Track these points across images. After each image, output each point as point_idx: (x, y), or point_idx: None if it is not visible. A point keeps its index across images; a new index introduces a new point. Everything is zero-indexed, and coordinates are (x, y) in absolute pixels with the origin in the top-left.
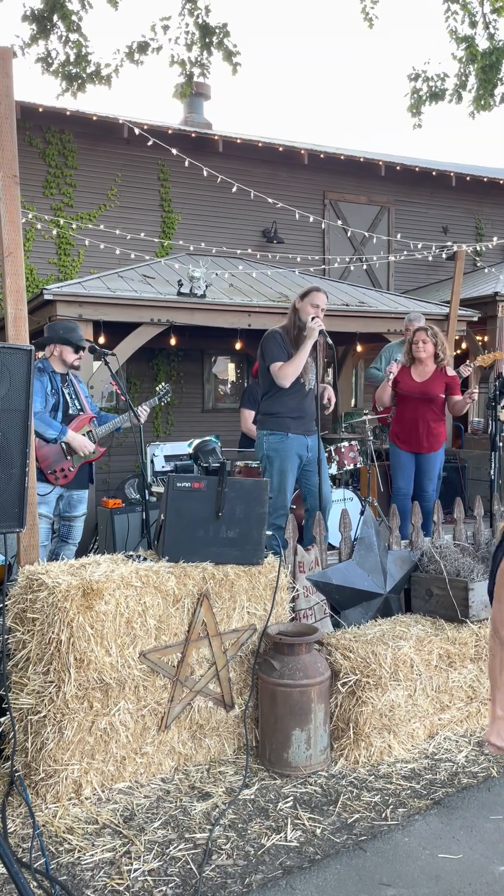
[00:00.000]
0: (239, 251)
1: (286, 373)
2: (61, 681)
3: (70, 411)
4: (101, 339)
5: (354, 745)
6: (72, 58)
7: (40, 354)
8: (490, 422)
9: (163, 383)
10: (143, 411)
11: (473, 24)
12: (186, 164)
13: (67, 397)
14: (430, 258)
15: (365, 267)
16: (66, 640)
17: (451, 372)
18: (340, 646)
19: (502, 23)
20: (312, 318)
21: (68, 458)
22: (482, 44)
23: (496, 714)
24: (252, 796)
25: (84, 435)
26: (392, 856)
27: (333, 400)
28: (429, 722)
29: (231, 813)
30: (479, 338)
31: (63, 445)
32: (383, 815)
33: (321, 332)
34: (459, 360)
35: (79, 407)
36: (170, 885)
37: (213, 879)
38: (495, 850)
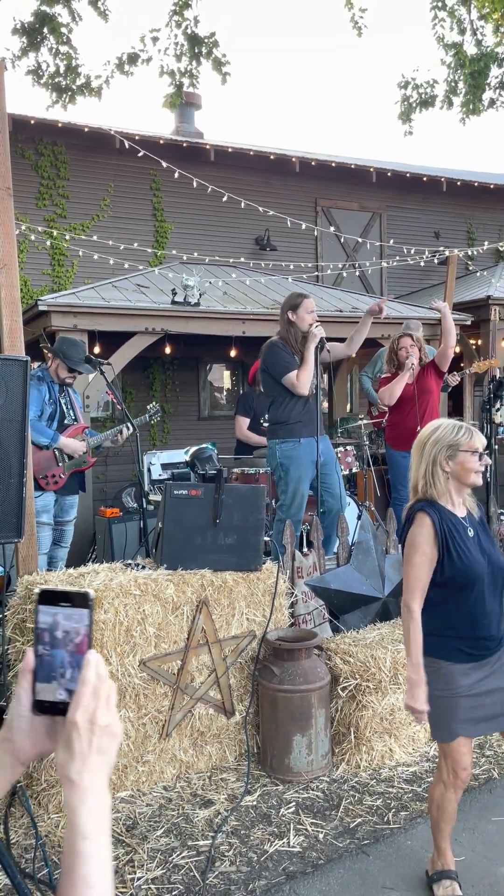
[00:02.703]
0: (232, 259)
1: (304, 381)
2: None
3: (66, 421)
4: (97, 349)
5: (356, 750)
6: (62, 70)
7: (36, 365)
8: (485, 425)
9: (154, 403)
10: (124, 432)
11: (462, 31)
12: (177, 175)
13: (64, 407)
14: (422, 263)
15: (358, 273)
16: None
17: (429, 358)
18: (340, 650)
19: (489, 28)
20: (316, 326)
21: (59, 464)
22: (470, 50)
23: (410, 678)
24: (254, 802)
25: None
26: (395, 859)
27: (382, 305)
28: (429, 725)
29: (233, 820)
30: (472, 341)
31: (56, 452)
32: (385, 818)
33: (321, 339)
34: (453, 364)
35: (74, 417)
36: (173, 893)
37: (217, 886)
38: (497, 851)
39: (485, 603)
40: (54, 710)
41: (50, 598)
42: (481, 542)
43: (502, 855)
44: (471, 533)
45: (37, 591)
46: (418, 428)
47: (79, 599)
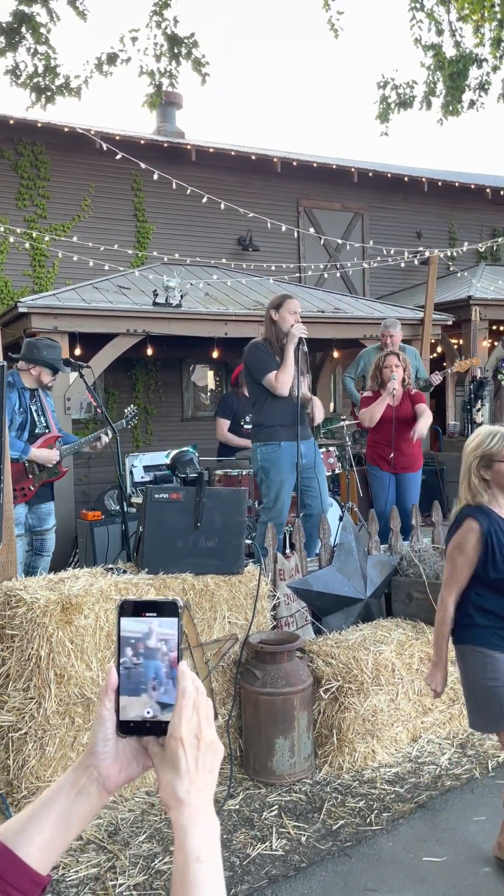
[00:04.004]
0: (213, 260)
1: (283, 381)
2: (42, 697)
3: (36, 430)
4: (77, 351)
5: (338, 752)
6: (40, 70)
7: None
8: (466, 425)
9: (131, 406)
10: (103, 438)
11: (440, 33)
12: (155, 177)
13: (34, 415)
14: (403, 264)
15: (340, 274)
16: (46, 656)
17: (414, 390)
18: (322, 652)
19: (468, 30)
20: (296, 326)
21: (30, 476)
22: (449, 51)
23: (432, 660)
24: (237, 806)
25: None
26: (377, 861)
27: (317, 415)
28: (411, 726)
29: None
30: (454, 341)
31: (26, 464)
32: (368, 820)
33: (300, 339)
34: (435, 364)
35: (45, 424)
36: None
37: None
38: (479, 851)
39: None
40: (141, 730)
41: (133, 609)
42: None
43: (484, 855)
44: None
45: (118, 602)
46: (391, 455)
47: (167, 608)
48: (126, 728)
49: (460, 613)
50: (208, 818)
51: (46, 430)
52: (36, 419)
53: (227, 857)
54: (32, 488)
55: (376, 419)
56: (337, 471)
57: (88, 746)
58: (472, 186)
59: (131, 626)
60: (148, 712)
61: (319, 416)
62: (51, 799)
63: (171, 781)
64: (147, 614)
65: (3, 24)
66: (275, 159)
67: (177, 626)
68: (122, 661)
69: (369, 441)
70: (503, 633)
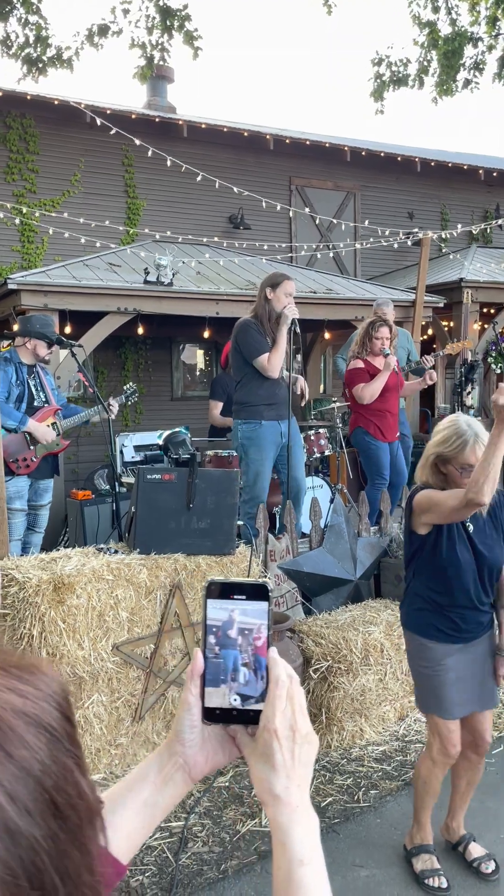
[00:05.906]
0: (205, 238)
1: (274, 364)
2: None
3: (35, 403)
4: (68, 329)
5: (327, 730)
6: (31, 40)
7: (6, 344)
8: (456, 407)
9: (130, 383)
10: (112, 408)
11: (436, 10)
12: (150, 153)
13: (33, 389)
14: (396, 245)
15: (332, 254)
16: (38, 635)
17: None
18: (312, 632)
19: (465, 7)
20: (289, 307)
21: (31, 447)
22: (445, 29)
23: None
24: (227, 783)
25: (49, 426)
26: (364, 837)
27: (307, 390)
28: (399, 705)
29: (206, 801)
30: (444, 323)
31: (26, 435)
32: (356, 797)
33: (293, 320)
34: (426, 346)
35: (44, 399)
36: (146, 875)
37: (189, 867)
38: (465, 827)
39: (468, 591)
40: (227, 717)
41: (220, 590)
42: (475, 535)
43: (469, 831)
44: (470, 527)
45: (205, 583)
46: (394, 423)
47: (255, 591)
48: (211, 715)
49: (407, 597)
50: (308, 815)
51: (45, 405)
52: (34, 393)
53: (218, 833)
54: (35, 459)
55: (377, 395)
56: (327, 452)
57: (172, 732)
58: (465, 167)
59: (216, 610)
60: (235, 700)
61: (307, 391)
62: (136, 786)
63: (267, 777)
64: (235, 597)
65: None
66: (267, 136)
67: (263, 610)
68: (207, 647)
69: (371, 411)
70: (432, 614)
